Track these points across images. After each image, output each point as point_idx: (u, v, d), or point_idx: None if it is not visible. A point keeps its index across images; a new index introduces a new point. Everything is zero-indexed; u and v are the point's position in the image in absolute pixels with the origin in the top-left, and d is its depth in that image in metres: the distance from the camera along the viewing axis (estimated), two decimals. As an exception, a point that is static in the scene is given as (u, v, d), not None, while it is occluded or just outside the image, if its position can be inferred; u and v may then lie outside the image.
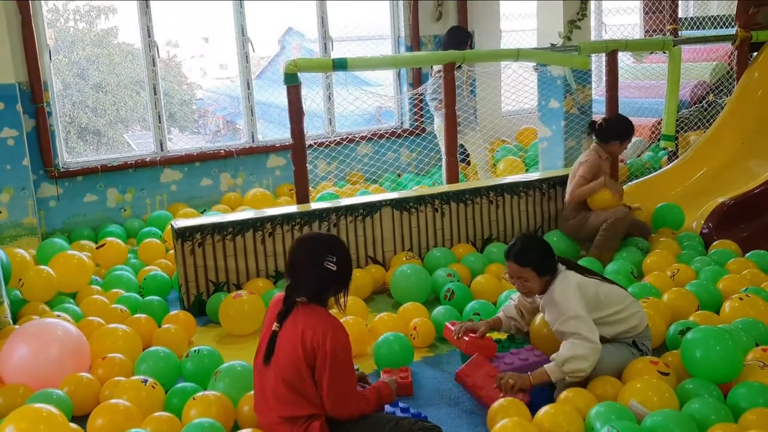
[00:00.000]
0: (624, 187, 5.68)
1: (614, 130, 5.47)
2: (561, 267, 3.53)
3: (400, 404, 3.33)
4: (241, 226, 4.94)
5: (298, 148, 5.38)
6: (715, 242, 5.34)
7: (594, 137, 5.53)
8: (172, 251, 5.37)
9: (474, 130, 7.26)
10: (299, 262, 3.00)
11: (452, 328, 3.74)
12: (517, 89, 7.04)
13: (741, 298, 4.04)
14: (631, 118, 5.68)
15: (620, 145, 5.51)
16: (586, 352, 3.29)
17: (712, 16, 9.32)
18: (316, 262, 2.96)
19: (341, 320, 3.85)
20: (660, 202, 5.90)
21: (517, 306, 3.84)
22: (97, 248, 5.69)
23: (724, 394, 3.23)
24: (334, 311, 3.09)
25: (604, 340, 3.57)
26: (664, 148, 7.11)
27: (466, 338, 3.63)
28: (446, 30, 7.74)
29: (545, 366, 3.37)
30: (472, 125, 7.22)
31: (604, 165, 5.48)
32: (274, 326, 2.97)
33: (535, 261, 3.46)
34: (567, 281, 3.46)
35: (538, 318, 3.81)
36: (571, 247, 5.47)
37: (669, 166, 6.81)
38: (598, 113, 7.02)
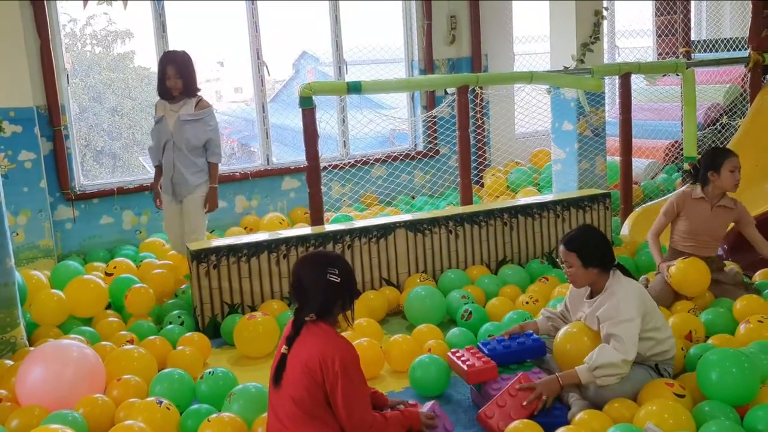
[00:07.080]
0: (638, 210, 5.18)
1: (703, 164, 4.89)
2: (616, 270, 3.58)
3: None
4: (256, 248, 4.95)
5: (312, 170, 5.41)
6: None
7: (696, 184, 4.96)
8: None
9: None
10: (303, 280, 3.03)
11: (454, 358, 3.73)
12: (530, 111, 7.05)
13: (760, 321, 4.00)
14: (644, 140, 5.56)
15: (718, 175, 4.79)
16: (619, 362, 3.33)
17: (724, 39, 9.35)
18: (319, 277, 2.98)
19: (355, 341, 3.88)
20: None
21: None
22: (106, 276, 5.60)
23: (740, 417, 3.20)
24: (344, 332, 3.09)
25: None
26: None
27: (465, 367, 3.57)
28: (460, 54, 7.74)
29: (576, 368, 3.41)
30: None
31: (696, 207, 4.89)
32: (283, 349, 2.99)
33: (581, 248, 3.54)
34: (631, 285, 3.53)
35: (561, 333, 3.70)
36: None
37: (683, 188, 6.78)
38: (612, 135, 7.03)
